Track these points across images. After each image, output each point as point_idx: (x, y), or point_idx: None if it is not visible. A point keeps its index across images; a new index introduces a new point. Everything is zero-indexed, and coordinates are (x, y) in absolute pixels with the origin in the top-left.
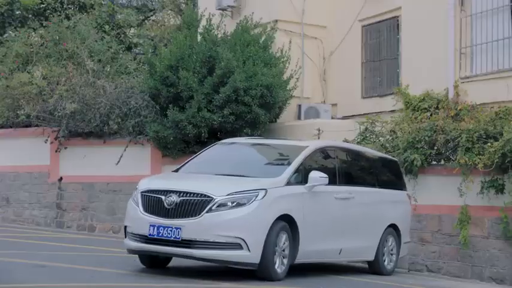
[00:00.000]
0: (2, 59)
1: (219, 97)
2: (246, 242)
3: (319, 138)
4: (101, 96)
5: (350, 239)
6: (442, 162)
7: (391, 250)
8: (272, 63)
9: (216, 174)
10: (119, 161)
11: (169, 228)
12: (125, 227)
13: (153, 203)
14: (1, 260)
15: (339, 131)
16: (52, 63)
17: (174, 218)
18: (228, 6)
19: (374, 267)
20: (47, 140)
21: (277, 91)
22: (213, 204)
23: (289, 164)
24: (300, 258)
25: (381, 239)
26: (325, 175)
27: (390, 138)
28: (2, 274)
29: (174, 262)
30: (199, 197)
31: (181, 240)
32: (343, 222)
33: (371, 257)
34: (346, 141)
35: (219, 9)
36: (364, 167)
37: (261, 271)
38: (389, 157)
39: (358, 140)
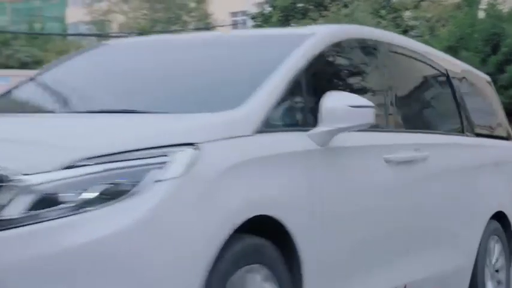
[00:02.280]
0: None
1: (504, 77)
2: None
3: None
4: None
5: (421, 262)
6: None
7: (495, 266)
8: None
9: (91, 112)
10: None
11: None
12: None
13: None
14: None
15: None
16: None
17: None
18: None
19: None
20: None
21: None
22: (14, 202)
23: (266, 76)
24: None
25: (479, 250)
26: (369, 102)
27: None
28: None
29: None
30: None
31: None
32: (408, 222)
33: None
34: None
35: None
36: (439, 89)
37: None
38: (481, 73)
39: None
